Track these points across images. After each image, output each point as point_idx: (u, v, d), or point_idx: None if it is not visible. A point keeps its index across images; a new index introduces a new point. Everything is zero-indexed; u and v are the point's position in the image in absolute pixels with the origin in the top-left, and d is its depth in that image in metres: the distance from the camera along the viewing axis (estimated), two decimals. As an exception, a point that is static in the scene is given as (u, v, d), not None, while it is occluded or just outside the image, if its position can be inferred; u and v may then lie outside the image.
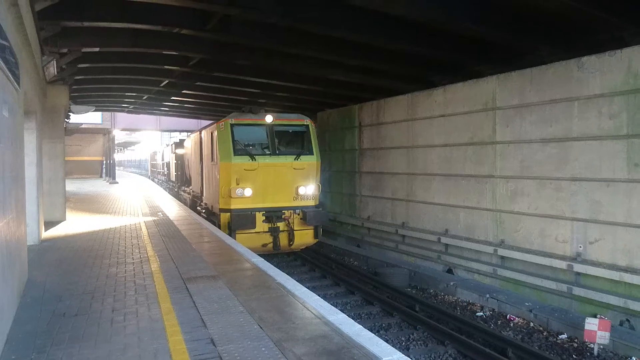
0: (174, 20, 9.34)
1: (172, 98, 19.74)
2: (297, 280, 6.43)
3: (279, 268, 7.14)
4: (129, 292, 5.83)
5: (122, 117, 30.88)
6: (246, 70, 13.54)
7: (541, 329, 8.75)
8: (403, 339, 8.27)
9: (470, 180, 11.68)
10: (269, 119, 12.52)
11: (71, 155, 32.50)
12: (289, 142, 13.41)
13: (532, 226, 10.15)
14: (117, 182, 32.23)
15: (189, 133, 24.81)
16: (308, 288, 6.64)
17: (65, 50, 10.37)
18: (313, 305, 5.17)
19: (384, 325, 8.96)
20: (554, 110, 9.63)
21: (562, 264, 9.28)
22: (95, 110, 24.46)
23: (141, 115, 29.47)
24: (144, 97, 19.50)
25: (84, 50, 10.79)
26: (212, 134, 13.30)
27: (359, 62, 11.79)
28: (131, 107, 23.43)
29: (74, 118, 19.36)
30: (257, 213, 12.03)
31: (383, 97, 15.12)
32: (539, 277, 9.75)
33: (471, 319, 9.18)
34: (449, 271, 12.08)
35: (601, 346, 7.53)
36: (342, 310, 9.12)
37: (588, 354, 7.57)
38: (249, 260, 7.56)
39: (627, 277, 8.22)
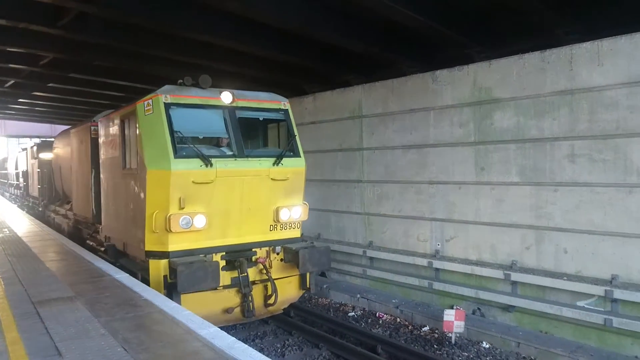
0: (19, 14, 8.39)
1: (20, 100, 17.73)
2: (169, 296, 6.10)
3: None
4: (-36, 323, 5.04)
5: (-43, 121, 27.02)
6: (106, 72, 12.66)
7: (407, 323, 9.34)
8: (278, 345, 8.26)
9: (341, 185, 12.13)
10: (226, 97, 7.94)
11: None
12: (259, 137, 9.34)
13: (397, 227, 10.82)
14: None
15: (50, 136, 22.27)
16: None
17: None
18: (183, 320, 4.93)
19: (259, 333, 8.87)
20: (413, 119, 10.40)
21: (424, 262, 10.03)
22: None
23: (-19, 119, 26.07)
24: (-16, 99, 17.28)
25: None
26: (124, 122, 8.35)
27: (228, 67, 11.63)
28: (-32, 109, 20.60)
29: None
30: (214, 255, 7.58)
31: (255, 103, 15.08)
32: (404, 275, 10.41)
33: (343, 320, 9.49)
34: (322, 274, 12.39)
35: (457, 334, 8.24)
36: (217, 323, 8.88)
37: (447, 342, 8.23)
38: (112, 277, 7.00)
39: (477, 270, 9.13)
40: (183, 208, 7.23)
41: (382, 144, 11.09)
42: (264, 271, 8.06)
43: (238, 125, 7.94)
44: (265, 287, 8.23)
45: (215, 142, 8.03)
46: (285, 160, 8.18)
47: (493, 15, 8.65)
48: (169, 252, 7.29)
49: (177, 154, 7.22)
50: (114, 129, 8.82)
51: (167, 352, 4.11)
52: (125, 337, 4.49)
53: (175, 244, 7.33)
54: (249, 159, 7.82)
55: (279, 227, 8.27)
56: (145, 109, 7.61)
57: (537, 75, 8.38)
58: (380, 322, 9.52)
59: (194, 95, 7.76)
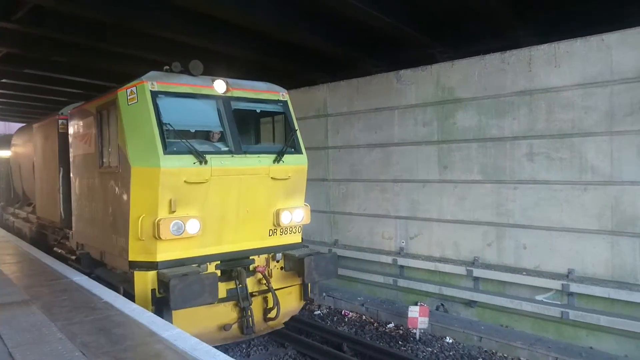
0: (-33, 6, 8.02)
1: (-29, 97, 16.96)
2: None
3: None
4: None
5: None
6: (64, 68, 12.20)
7: (372, 320, 9.41)
8: (244, 346, 8.19)
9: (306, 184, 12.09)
10: (220, 86, 7.13)
11: None
12: (256, 132, 8.69)
13: (362, 225, 10.89)
14: None
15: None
16: (141, 304, 6.18)
17: None
18: (145, 322, 4.82)
19: (224, 334, 8.77)
20: (378, 118, 10.48)
21: (388, 259, 10.12)
22: None
23: None
24: None
25: None
26: (101, 114, 7.38)
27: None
28: None
29: None
30: (208, 265, 6.80)
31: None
32: (369, 272, 10.49)
33: (309, 318, 9.50)
34: (288, 273, 12.36)
35: (422, 330, 8.35)
36: (180, 324, 8.72)
37: (411, 338, 8.34)
38: (69, 279, 6.78)
39: (441, 267, 9.29)
40: (174, 211, 6.34)
41: (347, 143, 11.13)
42: (264, 281, 7.26)
43: (233, 117, 7.06)
44: (265, 299, 7.46)
45: (204, 136, 7.23)
46: (286, 157, 7.39)
47: (458, 16, 8.79)
48: (157, 262, 6.36)
49: (167, 150, 6.32)
50: (88, 122, 7.83)
51: (128, 355, 4.01)
52: (84, 341, 4.35)
53: (164, 253, 6.40)
54: (247, 155, 6.98)
55: (278, 232, 7.52)
56: (129, 97, 6.63)
57: (497, 75, 8.58)
58: (346, 319, 9.56)
59: (184, 83, 6.86)
